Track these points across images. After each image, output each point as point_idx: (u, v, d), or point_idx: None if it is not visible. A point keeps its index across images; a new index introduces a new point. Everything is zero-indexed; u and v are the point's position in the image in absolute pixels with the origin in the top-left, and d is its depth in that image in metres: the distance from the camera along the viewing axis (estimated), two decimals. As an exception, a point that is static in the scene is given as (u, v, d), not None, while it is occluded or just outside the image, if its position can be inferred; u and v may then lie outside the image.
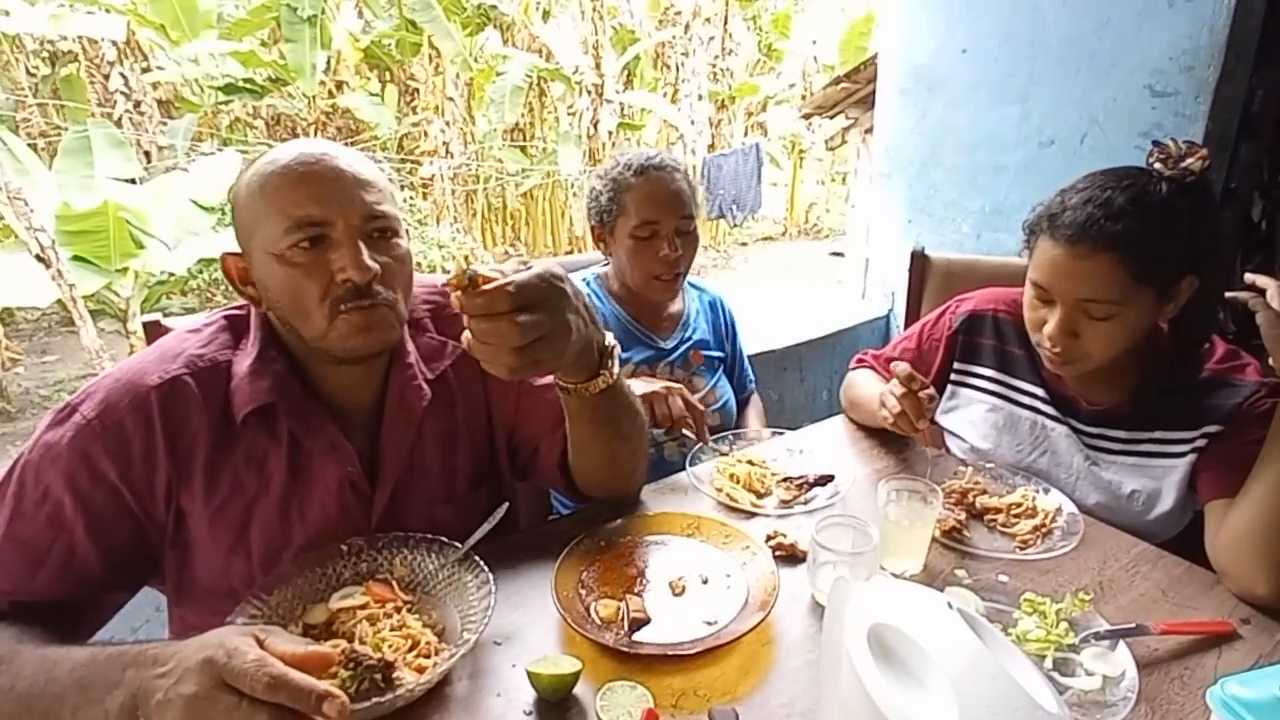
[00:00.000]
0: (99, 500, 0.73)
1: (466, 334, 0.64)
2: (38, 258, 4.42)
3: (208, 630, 0.80)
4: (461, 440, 0.92)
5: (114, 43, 6.42)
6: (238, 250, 0.79)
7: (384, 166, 8.37)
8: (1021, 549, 0.91)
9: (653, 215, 1.28)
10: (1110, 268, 0.86)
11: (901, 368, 1.00)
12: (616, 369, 0.80)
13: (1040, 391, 1.09)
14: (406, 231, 0.84)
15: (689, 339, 1.44)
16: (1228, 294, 0.89)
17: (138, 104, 7.01)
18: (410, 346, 0.89)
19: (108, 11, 6.15)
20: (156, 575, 0.82)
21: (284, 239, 0.73)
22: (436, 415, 0.89)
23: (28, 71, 7.53)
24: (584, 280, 1.41)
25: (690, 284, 1.52)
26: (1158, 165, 0.89)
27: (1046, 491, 1.01)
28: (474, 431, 0.93)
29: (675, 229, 1.29)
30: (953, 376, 1.19)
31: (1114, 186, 0.88)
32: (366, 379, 0.85)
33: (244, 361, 0.79)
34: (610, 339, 0.79)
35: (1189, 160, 0.87)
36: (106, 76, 6.93)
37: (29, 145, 5.58)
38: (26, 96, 7.19)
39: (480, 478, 0.95)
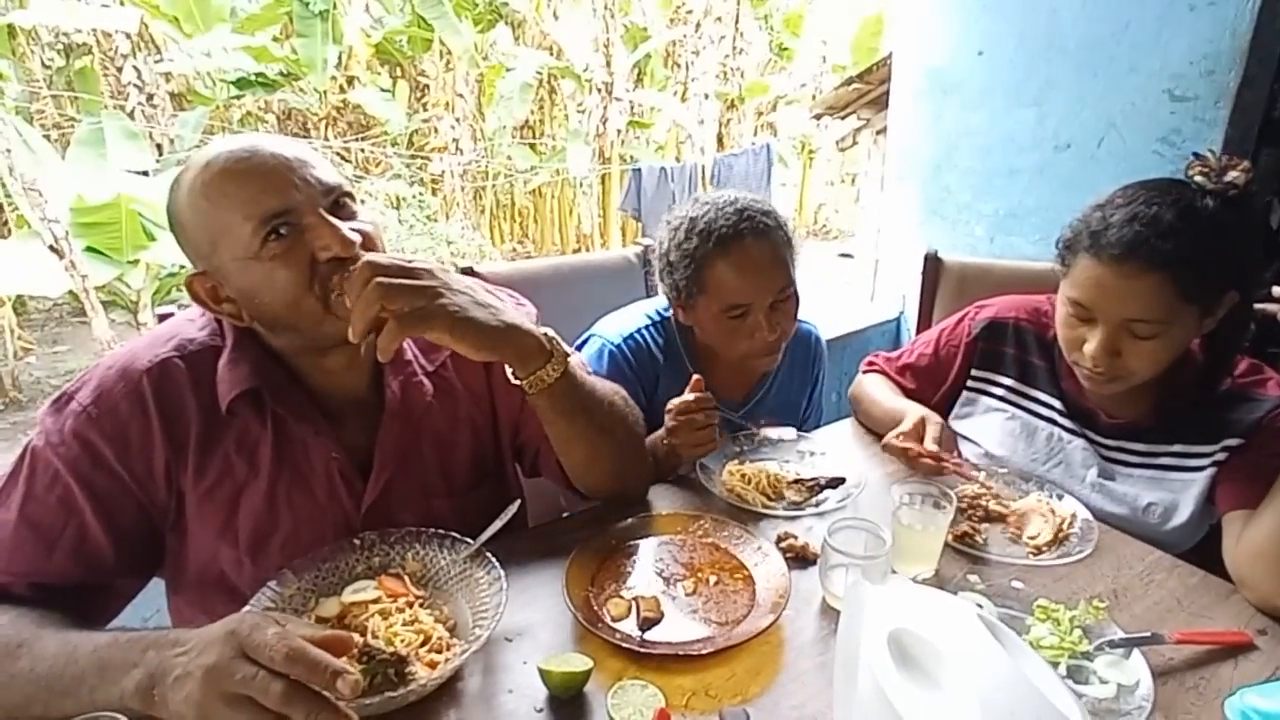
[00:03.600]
0: (103, 485, 0.73)
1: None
2: (51, 248, 4.45)
3: (201, 618, 0.79)
4: (462, 435, 0.92)
5: (128, 35, 6.46)
6: (199, 271, 0.75)
7: (394, 162, 8.40)
8: (1035, 555, 0.90)
9: (743, 298, 1.06)
10: (1159, 287, 0.84)
11: (893, 442, 1.04)
12: (568, 352, 0.82)
13: (1058, 403, 1.08)
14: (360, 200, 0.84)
15: (767, 401, 1.27)
16: (1255, 305, 0.88)
17: (150, 96, 7.06)
18: (407, 341, 0.88)
19: (122, 4, 6.20)
20: (166, 561, 0.82)
21: (254, 238, 0.71)
22: (437, 409, 0.89)
23: (43, 63, 7.59)
24: (647, 315, 1.24)
25: None
26: (1198, 179, 0.86)
27: (1060, 498, 1.01)
28: (476, 427, 0.93)
29: (770, 305, 1.08)
30: (970, 383, 1.18)
31: (1159, 202, 0.85)
32: (353, 366, 0.83)
33: (224, 355, 0.79)
34: (550, 330, 0.82)
35: (1232, 174, 0.84)
36: (120, 69, 6.98)
37: (44, 137, 5.62)
38: (41, 88, 7.25)
39: (483, 474, 0.94)
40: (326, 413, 0.82)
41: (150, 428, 0.75)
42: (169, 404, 0.76)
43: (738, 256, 1.06)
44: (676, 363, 1.22)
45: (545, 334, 0.80)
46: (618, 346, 1.18)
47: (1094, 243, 0.88)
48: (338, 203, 0.76)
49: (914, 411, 1.08)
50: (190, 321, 0.82)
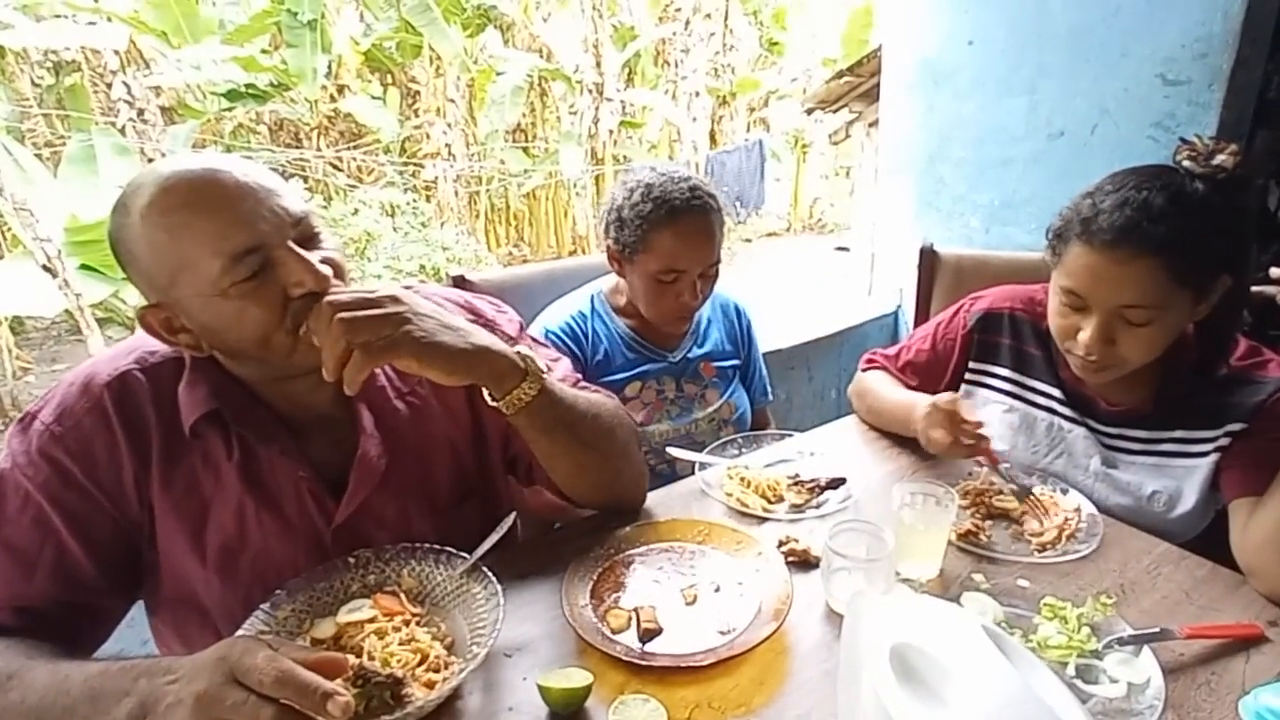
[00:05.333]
0: (74, 502, 0.72)
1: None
2: (44, 268, 4.44)
3: (176, 640, 0.80)
4: (439, 453, 0.89)
5: (116, 51, 6.45)
6: (152, 303, 0.72)
7: (387, 170, 8.38)
8: (1040, 552, 0.89)
9: (681, 265, 1.19)
10: (1152, 272, 0.83)
11: (945, 400, 0.97)
12: (543, 370, 0.80)
13: (1057, 392, 1.07)
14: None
15: (699, 350, 1.38)
16: (1253, 288, 0.87)
17: (141, 112, 7.04)
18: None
19: (109, 20, 6.19)
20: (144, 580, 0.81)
21: (224, 277, 0.67)
22: (411, 429, 0.87)
23: (32, 82, 7.57)
24: (589, 298, 1.36)
25: None
26: (1187, 163, 0.86)
27: (1065, 492, 0.99)
28: (455, 445, 0.91)
29: (699, 274, 1.21)
30: (968, 376, 1.17)
31: (1149, 187, 0.85)
32: (318, 389, 0.81)
33: (183, 376, 0.77)
34: (523, 348, 0.80)
35: (1220, 157, 0.84)
36: (109, 85, 6.96)
37: (35, 155, 5.61)
38: (31, 106, 7.23)
39: (466, 491, 0.92)
40: (293, 429, 0.81)
41: (115, 441, 0.74)
42: (131, 416, 0.74)
43: (684, 227, 1.18)
44: (609, 333, 1.34)
45: (519, 352, 0.79)
46: (555, 333, 1.29)
47: (1085, 230, 0.88)
48: (305, 232, 0.73)
49: (923, 400, 1.05)
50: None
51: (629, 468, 0.95)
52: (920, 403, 1.03)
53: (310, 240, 0.74)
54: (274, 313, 0.70)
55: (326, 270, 0.72)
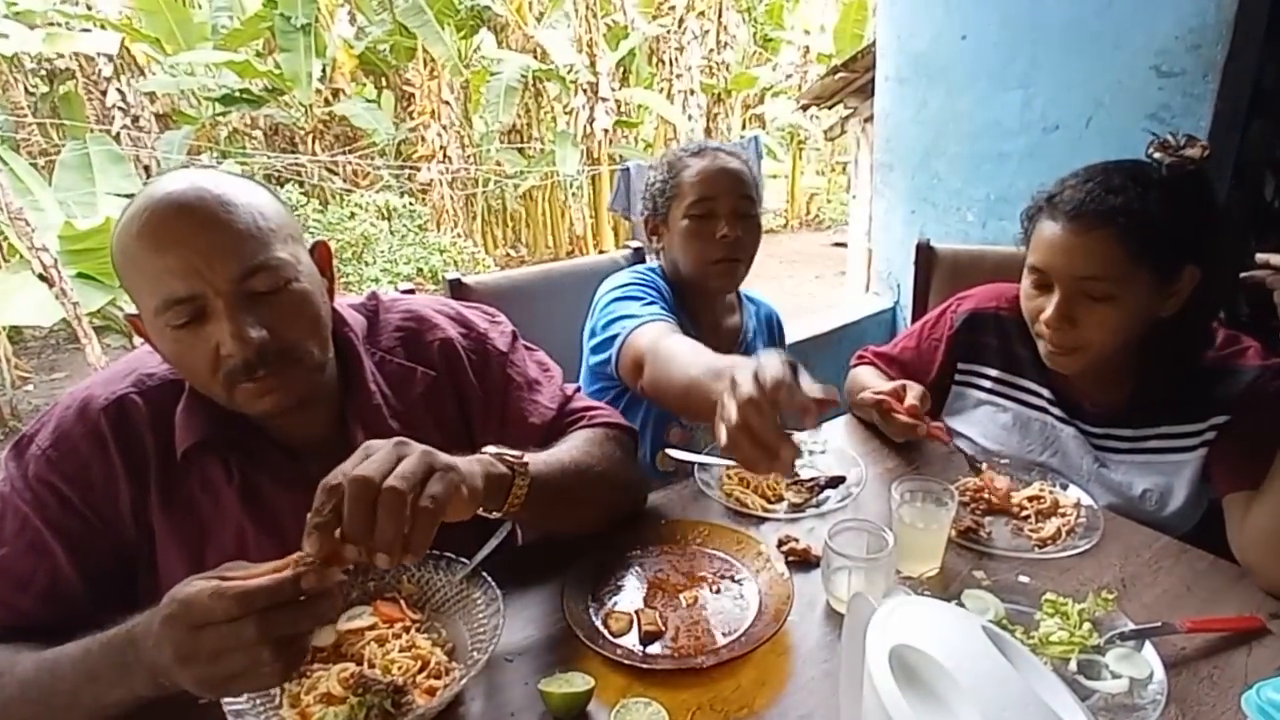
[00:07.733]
0: (70, 525, 0.72)
1: (380, 557, 0.56)
2: (40, 277, 4.43)
3: None
4: None
5: (110, 58, 6.44)
6: (135, 314, 0.73)
7: (383, 173, 8.36)
8: (1041, 548, 0.89)
9: (709, 191, 1.21)
10: (1109, 243, 0.86)
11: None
12: (522, 458, 0.74)
13: (1046, 392, 1.07)
14: (322, 252, 0.79)
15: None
16: (1242, 274, 0.87)
17: (135, 119, 7.04)
18: (376, 379, 0.84)
19: (103, 27, 6.18)
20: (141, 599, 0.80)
21: (158, 318, 0.68)
22: None
23: (26, 90, 7.57)
24: (644, 270, 1.30)
25: (747, 297, 1.43)
26: (1157, 155, 0.90)
27: (1065, 488, 0.99)
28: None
29: (733, 209, 1.21)
30: (957, 377, 1.17)
31: (1114, 169, 0.90)
32: (309, 414, 0.79)
33: (182, 399, 0.76)
34: (491, 448, 0.73)
35: (1189, 150, 0.87)
36: (104, 92, 6.96)
37: (30, 164, 5.60)
38: (26, 115, 7.22)
39: None
40: (290, 452, 0.80)
41: (112, 466, 0.73)
42: (128, 441, 0.74)
43: (710, 160, 1.24)
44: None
45: (497, 457, 0.72)
46: (633, 283, 1.23)
47: (1049, 205, 0.92)
48: (263, 284, 0.69)
49: (898, 382, 1.09)
50: (150, 354, 0.79)
51: (625, 497, 0.94)
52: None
53: (270, 294, 0.70)
54: (206, 361, 0.69)
55: (254, 336, 0.68)
